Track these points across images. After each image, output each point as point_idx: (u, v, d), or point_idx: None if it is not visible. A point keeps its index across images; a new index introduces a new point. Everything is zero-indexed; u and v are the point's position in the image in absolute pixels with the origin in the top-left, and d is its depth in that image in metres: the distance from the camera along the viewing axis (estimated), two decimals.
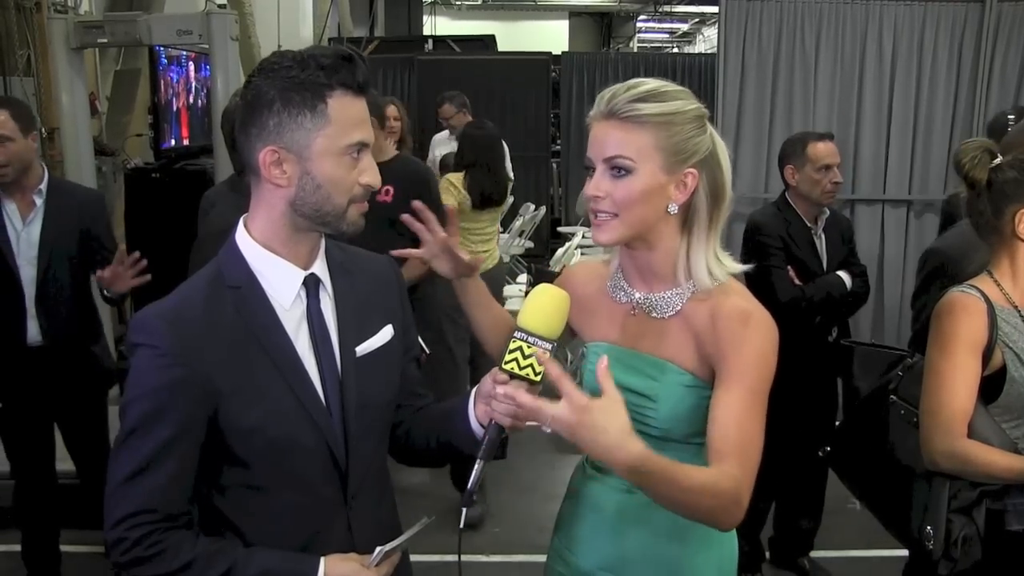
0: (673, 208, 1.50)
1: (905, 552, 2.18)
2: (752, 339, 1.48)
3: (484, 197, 4.36)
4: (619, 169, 1.48)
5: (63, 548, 3.41)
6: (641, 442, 1.25)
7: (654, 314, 1.57)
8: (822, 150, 3.29)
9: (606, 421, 1.22)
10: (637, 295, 1.59)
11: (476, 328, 1.79)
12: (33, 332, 3.09)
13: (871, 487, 2.17)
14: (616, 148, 1.48)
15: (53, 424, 3.27)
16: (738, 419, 1.43)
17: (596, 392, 1.56)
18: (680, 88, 1.53)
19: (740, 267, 1.57)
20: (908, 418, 2.04)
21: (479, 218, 4.47)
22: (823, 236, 3.39)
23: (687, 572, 1.62)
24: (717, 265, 1.54)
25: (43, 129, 3.18)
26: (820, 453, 2.35)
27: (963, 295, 1.91)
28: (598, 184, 1.49)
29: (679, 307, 1.55)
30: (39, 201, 3.09)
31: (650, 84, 1.50)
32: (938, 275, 2.41)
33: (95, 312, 3.23)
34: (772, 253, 3.27)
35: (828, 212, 3.41)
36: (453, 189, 4.36)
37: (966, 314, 1.88)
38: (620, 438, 1.23)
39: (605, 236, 1.52)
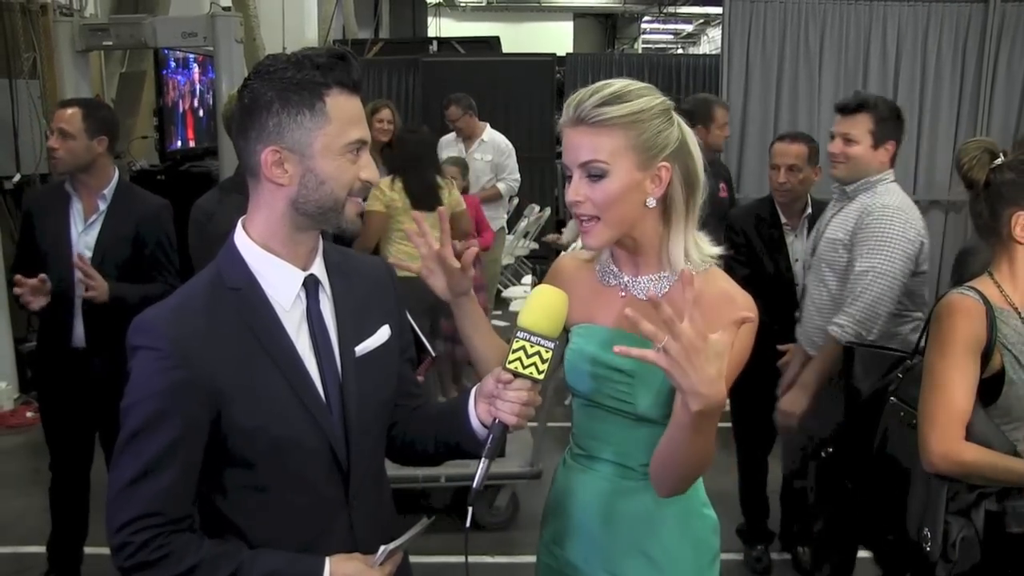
0: (651, 202, 1.54)
1: None
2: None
3: (416, 199, 4.37)
4: (595, 173, 1.52)
5: (88, 550, 3.43)
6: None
7: (641, 296, 1.60)
8: (775, 149, 3.41)
9: (717, 354, 1.27)
10: (626, 278, 1.63)
11: (473, 352, 1.76)
12: (78, 333, 3.13)
13: (871, 488, 2.16)
14: (589, 153, 1.51)
15: (94, 433, 3.29)
16: None
17: (581, 370, 1.62)
18: (644, 85, 1.56)
19: (717, 250, 1.61)
20: (907, 420, 2.04)
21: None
22: (803, 236, 3.42)
23: (666, 557, 1.65)
24: (695, 250, 1.58)
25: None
26: (823, 454, 2.35)
27: (962, 297, 1.90)
28: (576, 189, 1.53)
29: (665, 289, 1.58)
30: (103, 206, 3.13)
31: (614, 86, 1.53)
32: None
33: None
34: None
35: (810, 211, 3.43)
36: (378, 192, 4.36)
37: (964, 316, 1.87)
38: (720, 373, 1.28)
39: (594, 240, 1.57)
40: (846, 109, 2.93)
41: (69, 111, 3.08)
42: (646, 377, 1.55)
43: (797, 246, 3.43)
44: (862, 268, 2.75)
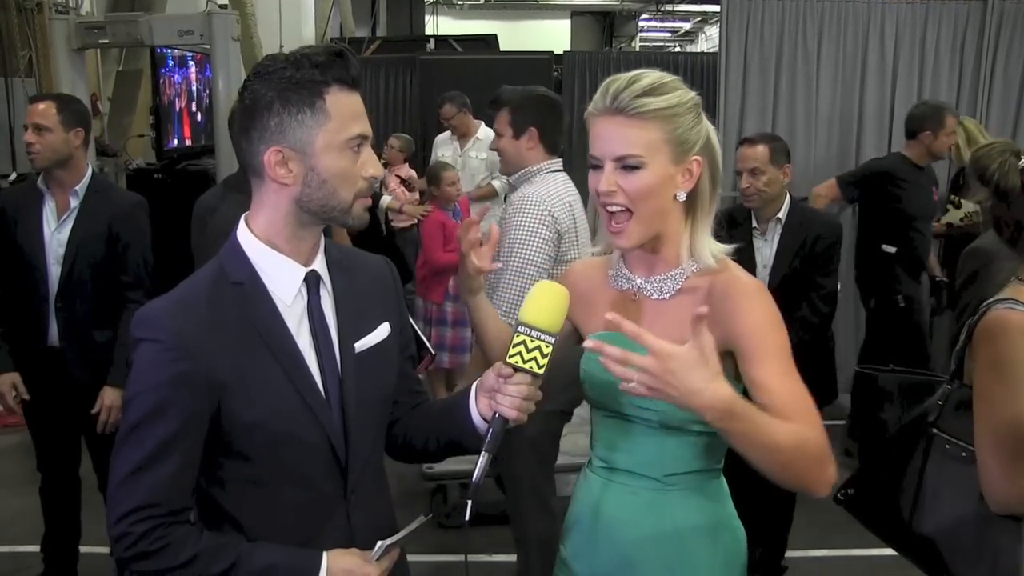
0: (681, 196, 1.53)
1: None
2: (755, 307, 1.50)
3: None
4: (631, 165, 1.49)
5: (83, 549, 3.43)
6: (730, 387, 1.29)
7: (655, 296, 1.59)
8: (737, 154, 3.38)
9: (692, 364, 1.26)
10: (638, 280, 1.60)
11: (485, 340, 1.76)
12: (53, 332, 3.11)
13: (908, 532, 1.92)
14: (626, 147, 1.49)
15: (80, 434, 3.28)
16: (785, 386, 1.45)
17: (599, 379, 1.59)
18: (675, 78, 1.55)
19: (729, 247, 1.60)
20: (955, 453, 1.83)
21: None
22: (773, 241, 3.36)
23: (694, 574, 1.59)
24: (714, 244, 1.58)
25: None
26: (840, 496, 2.09)
27: (1014, 313, 1.68)
28: (609, 179, 1.50)
29: (679, 286, 1.57)
30: (75, 202, 3.11)
31: (650, 77, 1.51)
32: (979, 276, 2.28)
33: (116, 317, 3.14)
34: None
35: (783, 217, 3.35)
36: None
37: None
38: (707, 379, 1.27)
39: (626, 241, 1.53)
40: (490, 107, 3.04)
41: (42, 105, 3.06)
42: None
43: (765, 251, 3.38)
44: (503, 258, 2.74)
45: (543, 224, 2.77)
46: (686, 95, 1.53)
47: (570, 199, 2.88)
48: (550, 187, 2.88)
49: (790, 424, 1.38)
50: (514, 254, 2.75)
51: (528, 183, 2.90)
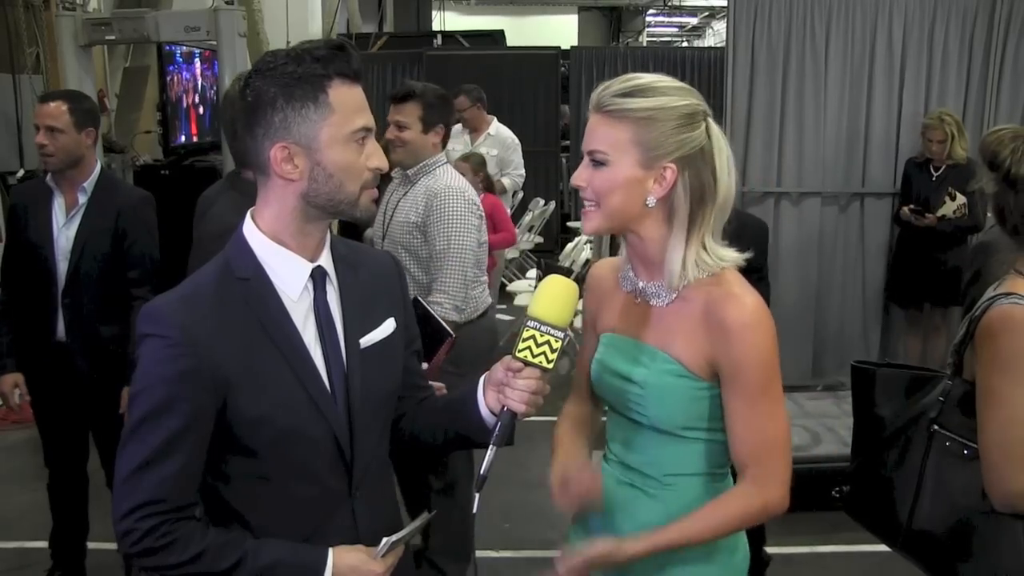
0: (651, 201, 1.52)
1: None
2: (747, 337, 1.49)
3: None
4: (597, 160, 1.52)
5: (90, 545, 3.44)
6: (634, 541, 1.50)
7: (653, 302, 1.59)
8: None
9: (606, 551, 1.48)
10: (640, 283, 1.61)
11: None
12: (61, 327, 3.13)
13: (909, 531, 1.88)
14: (595, 142, 1.52)
15: (88, 429, 3.29)
16: (750, 423, 1.50)
17: (604, 380, 1.63)
18: (677, 85, 1.54)
19: (735, 255, 1.56)
20: (956, 451, 1.80)
21: None
22: None
23: (687, 572, 1.60)
24: (699, 260, 1.53)
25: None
26: (835, 493, 2.08)
27: (1021, 308, 1.65)
28: (579, 173, 1.55)
29: (675, 296, 1.56)
30: (83, 198, 3.13)
31: (642, 79, 1.52)
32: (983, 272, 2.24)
33: (122, 313, 3.14)
34: None
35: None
36: None
37: None
38: (617, 553, 1.48)
39: (588, 226, 1.58)
40: (396, 98, 3.13)
41: (53, 105, 3.05)
42: (654, 388, 1.55)
43: None
44: (442, 247, 3.00)
45: (471, 212, 3.05)
46: (674, 101, 1.50)
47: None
48: (458, 178, 3.16)
49: (730, 506, 1.53)
50: (453, 242, 3.01)
51: (430, 175, 3.11)
